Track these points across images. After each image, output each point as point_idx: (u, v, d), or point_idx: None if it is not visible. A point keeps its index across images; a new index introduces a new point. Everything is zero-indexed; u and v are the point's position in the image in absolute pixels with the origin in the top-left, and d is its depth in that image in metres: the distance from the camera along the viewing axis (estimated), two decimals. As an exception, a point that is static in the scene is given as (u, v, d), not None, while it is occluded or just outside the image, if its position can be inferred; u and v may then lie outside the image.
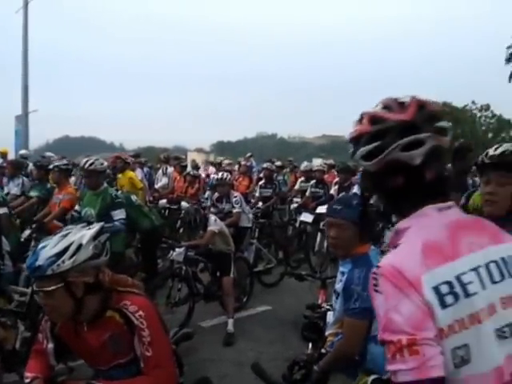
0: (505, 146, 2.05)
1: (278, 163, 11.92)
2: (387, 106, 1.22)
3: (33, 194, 6.83)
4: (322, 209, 6.53)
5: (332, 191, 8.06)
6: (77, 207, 5.33)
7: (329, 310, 2.79)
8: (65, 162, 6.63)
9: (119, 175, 8.34)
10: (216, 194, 6.97)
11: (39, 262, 1.81)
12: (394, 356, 1.04)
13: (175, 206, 8.82)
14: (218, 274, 5.48)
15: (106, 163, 5.34)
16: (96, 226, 2.00)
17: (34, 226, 5.46)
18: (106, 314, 1.95)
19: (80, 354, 2.12)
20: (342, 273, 2.35)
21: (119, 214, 4.85)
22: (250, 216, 7.19)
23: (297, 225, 8.55)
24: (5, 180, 8.25)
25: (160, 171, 10.86)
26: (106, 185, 5.16)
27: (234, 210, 6.56)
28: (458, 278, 1.11)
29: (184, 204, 8.42)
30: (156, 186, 10.50)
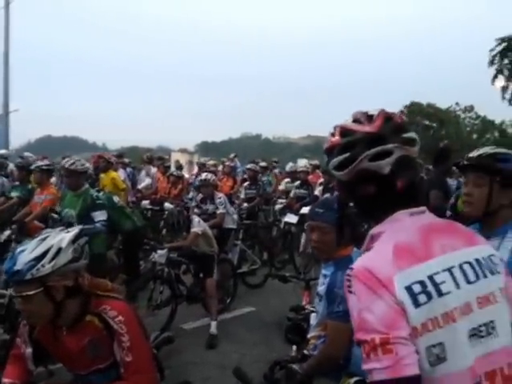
0: (484, 149, 2.09)
1: (263, 164, 11.91)
2: (356, 119, 1.30)
3: (13, 194, 6.78)
4: (306, 210, 6.56)
5: (316, 192, 8.09)
6: (57, 207, 5.25)
7: (312, 311, 2.78)
8: (46, 162, 6.60)
9: (102, 175, 8.27)
10: (200, 195, 6.94)
11: (18, 267, 1.78)
12: (369, 355, 1.07)
13: (158, 207, 8.76)
14: (201, 275, 5.45)
15: (87, 164, 5.29)
16: (75, 229, 1.98)
17: (13, 226, 5.37)
18: (85, 318, 1.92)
19: (59, 358, 2.10)
20: (325, 275, 2.34)
21: (100, 216, 4.79)
22: (235, 217, 7.18)
23: (281, 226, 8.56)
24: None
25: (143, 172, 10.79)
26: (87, 186, 5.10)
27: (218, 211, 6.54)
28: (430, 277, 1.14)
29: (167, 205, 8.38)
30: (139, 187, 10.42)
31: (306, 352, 2.39)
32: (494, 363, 1.16)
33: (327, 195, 7.21)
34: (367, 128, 1.25)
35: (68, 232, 1.94)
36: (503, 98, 15.93)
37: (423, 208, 1.28)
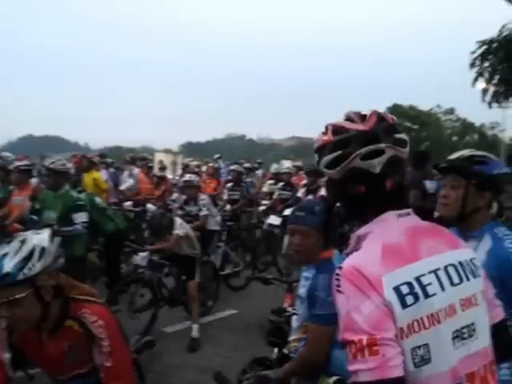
0: (461, 152, 2.12)
1: (247, 165, 11.90)
2: (349, 117, 1.30)
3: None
4: (289, 211, 6.55)
5: (299, 194, 8.09)
6: (37, 205, 5.15)
7: (294, 314, 2.77)
8: (26, 162, 6.51)
9: (84, 174, 8.17)
10: (184, 197, 6.90)
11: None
12: (355, 356, 1.08)
13: (140, 209, 8.68)
14: (183, 278, 5.41)
15: (69, 164, 5.22)
16: (47, 229, 1.99)
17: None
18: (65, 323, 1.91)
19: (39, 363, 2.08)
20: (306, 278, 2.33)
21: (81, 217, 4.74)
22: (218, 219, 7.16)
23: (264, 227, 8.56)
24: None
25: (125, 172, 10.68)
26: (67, 187, 5.04)
27: (201, 213, 6.51)
28: (417, 279, 1.15)
29: (150, 206, 8.32)
30: (121, 188, 10.31)
31: (285, 350, 2.36)
32: (475, 365, 1.18)
33: (310, 197, 7.24)
34: (361, 126, 1.26)
35: (41, 233, 1.92)
36: (483, 100, 16.14)
37: (409, 210, 1.29)
